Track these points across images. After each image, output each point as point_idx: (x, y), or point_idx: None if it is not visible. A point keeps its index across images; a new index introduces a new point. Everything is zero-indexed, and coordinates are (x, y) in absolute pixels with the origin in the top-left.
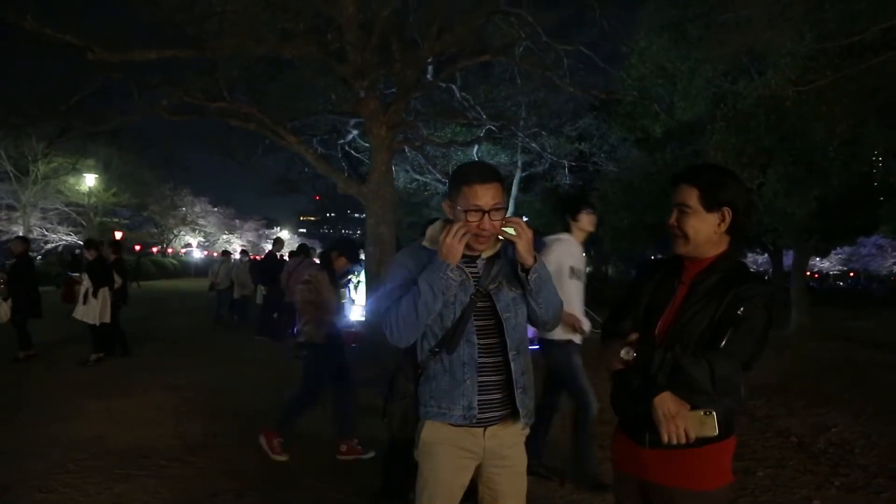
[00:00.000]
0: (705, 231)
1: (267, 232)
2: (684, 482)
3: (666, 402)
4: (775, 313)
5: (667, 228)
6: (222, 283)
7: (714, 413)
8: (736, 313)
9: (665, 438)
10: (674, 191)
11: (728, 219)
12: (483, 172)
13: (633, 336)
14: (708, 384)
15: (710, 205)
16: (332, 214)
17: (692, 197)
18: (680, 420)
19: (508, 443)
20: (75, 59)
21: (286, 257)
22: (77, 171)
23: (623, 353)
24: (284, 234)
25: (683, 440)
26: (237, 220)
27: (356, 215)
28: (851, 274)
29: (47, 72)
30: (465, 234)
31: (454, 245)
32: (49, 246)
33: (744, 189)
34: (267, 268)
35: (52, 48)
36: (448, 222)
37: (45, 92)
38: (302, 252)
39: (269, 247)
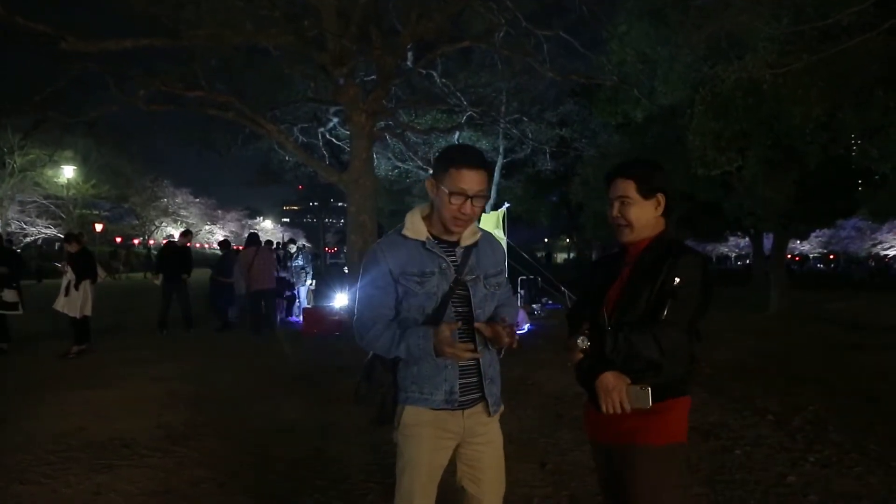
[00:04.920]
0: (645, 217)
1: (250, 222)
2: (638, 438)
3: (606, 378)
4: (712, 284)
5: (611, 221)
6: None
7: (649, 388)
8: (672, 284)
9: (603, 409)
10: (609, 187)
11: (663, 203)
12: (473, 157)
13: (586, 325)
14: (657, 355)
15: (647, 193)
16: (315, 204)
17: (630, 189)
18: (615, 394)
19: (485, 420)
20: (50, 50)
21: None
22: (55, 163)
23: (580, 342)
24: (267, 224)
25: (619, 411)
26: (219, 211)
27: (339, 204)
28: (831, 256)
29: (21, 63)
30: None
31: (458, 357)
32: (28, 239)
33: (668, 177)
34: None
35: (25, 38)
36: (430, 208)
37: (19, 83)
38: (254, 243)
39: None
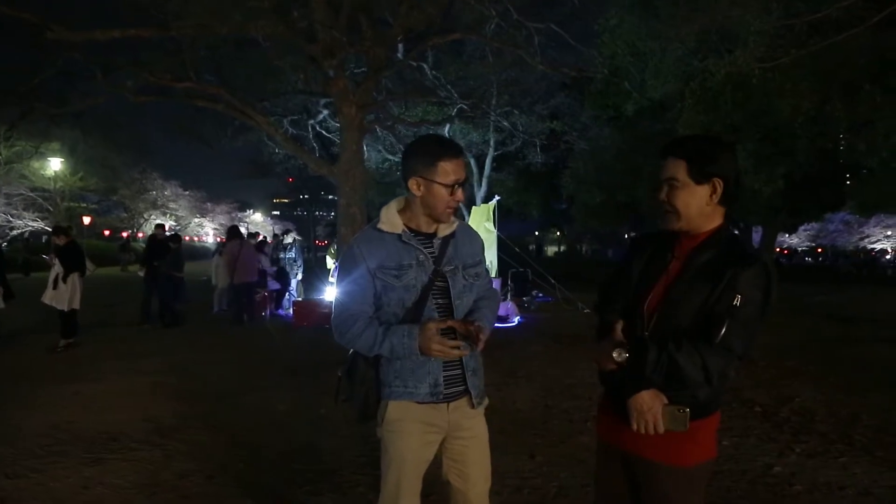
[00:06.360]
0: (697, 205)
1: (240, 215)
2: (667, 457)
3: (642, 398)
4: (774, 292)
5: (659, 205)
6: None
7: (688, 410)
8: (733, 303)
9: (634, 428)
10: (661, 165)
11: (720, 190)
12: (454, 147)
13: (620, 327)
14: (703, 380)
15: (700, 177)
16: (306, 196)
17: (680, 170)
18: (650, 415)
19: (470, 413)
20: (35, 40)
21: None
22: (41, 155)
23: (615, 354)
24: (257, 217)
25: (652, 432)
26: (209, 204)
27: (330, 197)
28: (819, 250)
29: (6, 53)
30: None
31: (446, 354)
32: (15, 232)
33: (734, 157)
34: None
35: (10, 27)
36: (406, 202)
37: (4, 73)
38: (237, 236)
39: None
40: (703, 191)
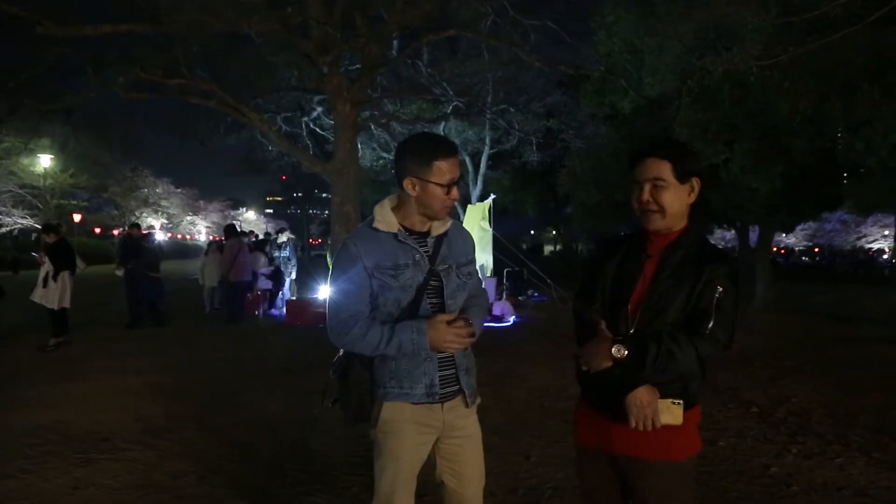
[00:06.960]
0: (679, 203)
1: (233, 213)
2: (661, 454)
3: (640, 394)
4: (742, 288)
5: (637, 206)
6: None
7: (682, 403)
8: (715, 296)
9: (633, 424)
10: (639, 166)
11: (697, 189)
12: (449, 146)
13: (604, 325)
14: (697, 370)
15: (682, 176)
16: (300, 194)
17: (665, 170)
18: (649, 410)
19: (464, 413)
20: (25, 35)
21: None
22: (31, 151)
23: (614, 351)
24: (251, 215)
25: (650, 428)
26: (201, 202)
27: (324, 195)
28: (816, 249)
29: None
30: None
31: (461, 344)
32: (4, 230)
33: (701, 159)
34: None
35: None
36: (400, 200)
37: None
38: (235, 234)
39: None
40: (684, 190)
